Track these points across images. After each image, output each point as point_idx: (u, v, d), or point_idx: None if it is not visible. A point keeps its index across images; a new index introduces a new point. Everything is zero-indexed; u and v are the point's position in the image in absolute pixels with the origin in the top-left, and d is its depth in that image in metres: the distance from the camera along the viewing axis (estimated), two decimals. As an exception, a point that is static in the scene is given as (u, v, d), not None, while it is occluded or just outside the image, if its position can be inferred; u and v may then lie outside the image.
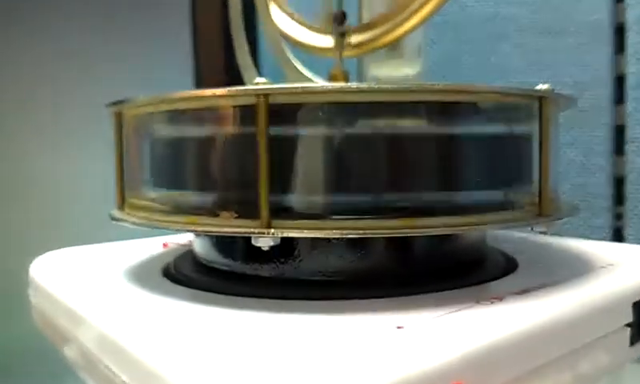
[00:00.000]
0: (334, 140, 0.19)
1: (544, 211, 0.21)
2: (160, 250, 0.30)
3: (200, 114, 0.21)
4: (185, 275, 0.24)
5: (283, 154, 0.19)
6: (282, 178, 0.19)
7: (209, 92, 0.20)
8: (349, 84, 0.18)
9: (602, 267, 0.24)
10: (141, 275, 0.25)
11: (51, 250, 0.31)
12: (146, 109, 0.22)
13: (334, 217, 0.19)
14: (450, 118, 0.20)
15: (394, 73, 0.29)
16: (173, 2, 0.62)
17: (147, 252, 0.30)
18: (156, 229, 0.21)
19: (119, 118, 0.24)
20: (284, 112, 0.19)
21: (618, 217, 0.47)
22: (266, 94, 0.19)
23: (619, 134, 0.47)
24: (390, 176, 0.20)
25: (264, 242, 0.19)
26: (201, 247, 0.25)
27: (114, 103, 0.23)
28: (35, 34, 0.56)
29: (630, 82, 0.45)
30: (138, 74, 0.58)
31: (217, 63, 0.61)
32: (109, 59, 0.57)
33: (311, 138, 0.19)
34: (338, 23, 0.28)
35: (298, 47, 0.31)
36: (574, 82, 0.47)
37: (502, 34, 0.49)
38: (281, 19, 0.31)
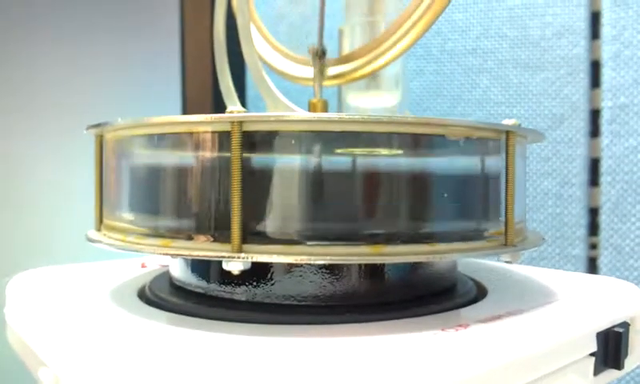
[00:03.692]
0: (305, 167, 0.20)
1: (509, 241, 0.22)
2: (138, 270, 0.31)
3: (176, 139, 0.21)
4: (159, 297, 0.24)
5: (256, 179, 0.20)
6: (255, 203, 0.20)
7: (185, 118, 0.20)
8: (320, 114, 0.19)
9: (569, 297, 0.25)
10: (116, 297, 0.25)
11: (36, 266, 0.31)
12: (125, 132, 0.23)
13: (305, 242, 0.20)
14: (420, 150, 0.21)
15: (373, 103, 0.30)
16: (163, 23, 0.63)
17: (125, 272, 0.30)
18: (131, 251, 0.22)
19: (100, 140, 0.25)
20: (257, 139, 0.20)
21: (593, 246, 0.48)
22: (239, 122, 0.19)
23: (594, 166, 0.48)
24: (361, 204, 0.20)
25: (234, 266, 0.19)
26: (176, 269, 0.25)
27: (95, 125, 0.24)
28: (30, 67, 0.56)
29: (605, 116, 0.47)
30: (127, 96, 0.59)
31: (204, 84, 0.62)
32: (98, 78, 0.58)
33: (283, 164, 0.20)
34: (319, 58, 0.29)
35: (279, 75, 0.31)
36: (552, 114, 0.49)
37: (482, 67, 0.50)
38: (263, 47, 0.32)
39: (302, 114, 0.20)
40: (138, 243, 0.22)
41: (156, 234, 0.22)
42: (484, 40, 0.50)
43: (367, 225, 0.20)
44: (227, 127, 0.19)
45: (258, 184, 0.20)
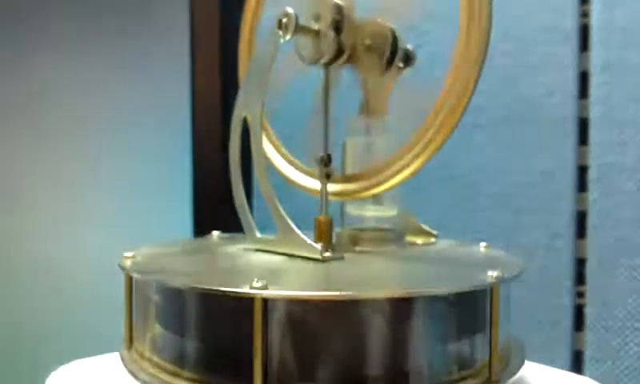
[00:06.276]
0: (318, 332, 0.23)
1: (493, 378, 0.25)
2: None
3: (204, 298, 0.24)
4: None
5: (275, 343, 0.23)
6: (272, 361, 0.23)
7: (212, 288, 0.23)
8: (330, 293, 0.22)
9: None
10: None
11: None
12: (150, 278, 0.26)
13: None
14: (413, 307, 0.24)
15: (373, 214, 0.32)
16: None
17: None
18: None
19: (129, 277, 0.28)
20: (277, 310, 0.23)
21: (580, 295, 0.51)
22: (264, 299, 0.22)
23: (582, 219, 0.51)
24: (367, 357, 0.23)
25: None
26: None
27: (125, 267, 0.27)
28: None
29: (592, 173, 0.50)
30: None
31: (214, 108, 0.64)
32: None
33: (301, 332, 0.23)
34: (324, 165, 0.32)
35: (289, 184, 0.34)
36: (542, 169, 0.51)
37: (475, 122, 0.53)
38: (276, 158, 0.35)
39: (318, 293, 0.23)
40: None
41: (182, 376, 0.25)
42: (477, 97, 0.53)
43: (372, 374, 0.23)
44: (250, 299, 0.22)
45: (276, 346, 0.23)
